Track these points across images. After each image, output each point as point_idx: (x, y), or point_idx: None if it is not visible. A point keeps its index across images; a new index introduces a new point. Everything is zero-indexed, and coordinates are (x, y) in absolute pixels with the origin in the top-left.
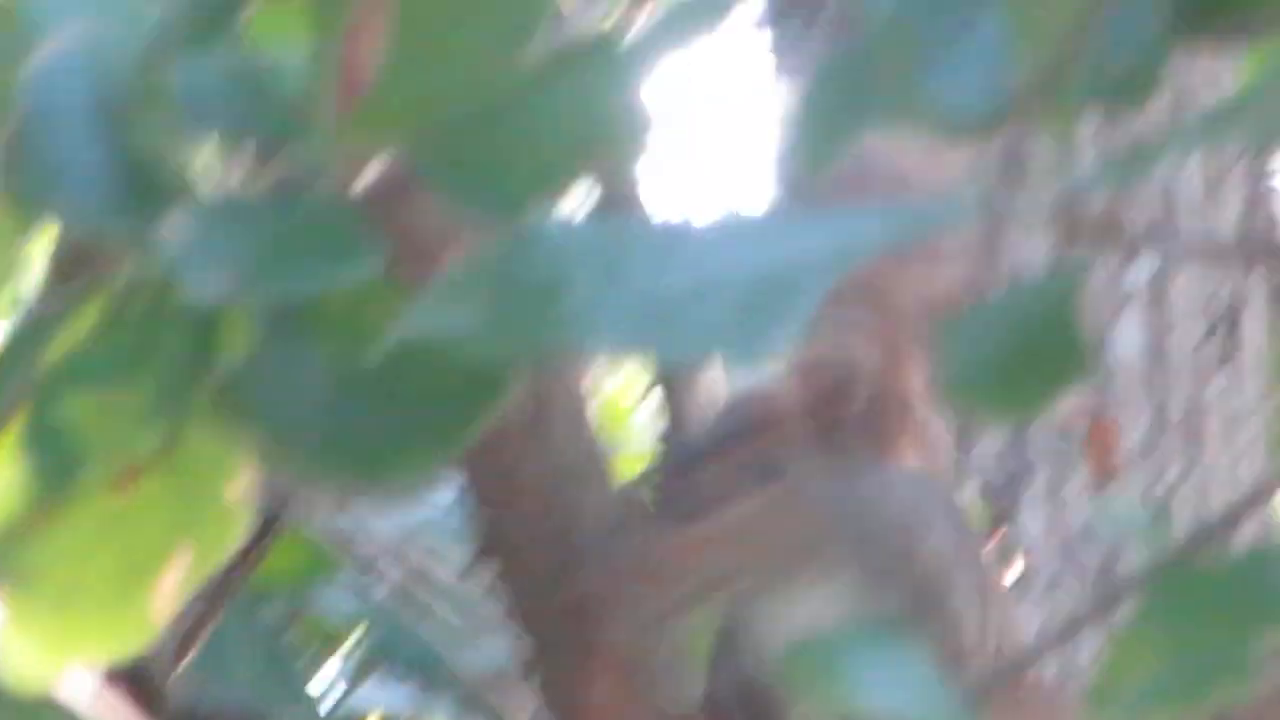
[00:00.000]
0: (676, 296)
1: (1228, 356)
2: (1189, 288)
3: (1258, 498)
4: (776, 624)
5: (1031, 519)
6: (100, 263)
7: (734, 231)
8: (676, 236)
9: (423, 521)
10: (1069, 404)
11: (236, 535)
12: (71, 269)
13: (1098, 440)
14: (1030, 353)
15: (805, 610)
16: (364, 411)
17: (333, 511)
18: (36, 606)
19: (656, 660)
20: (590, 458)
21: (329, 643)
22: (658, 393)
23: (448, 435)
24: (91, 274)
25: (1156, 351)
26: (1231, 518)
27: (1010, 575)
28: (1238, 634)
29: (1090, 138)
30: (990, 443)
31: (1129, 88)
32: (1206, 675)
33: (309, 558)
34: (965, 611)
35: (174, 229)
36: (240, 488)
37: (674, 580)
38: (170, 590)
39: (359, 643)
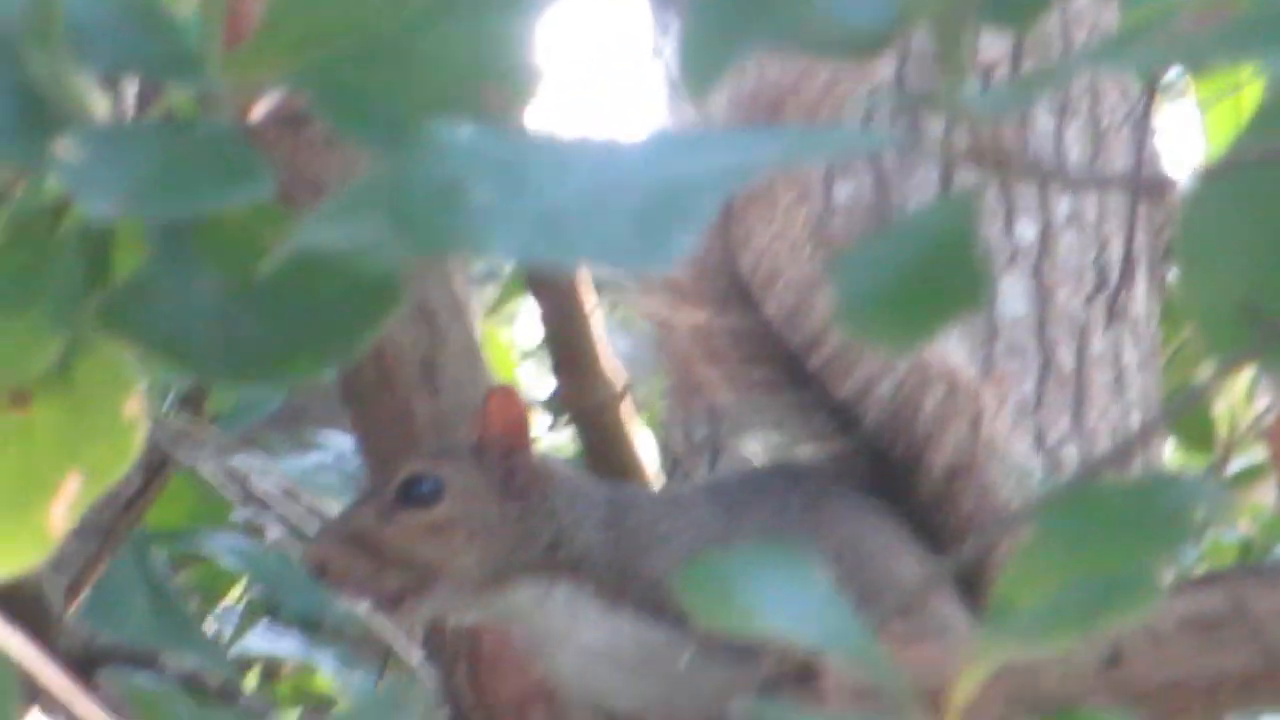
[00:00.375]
0: (575, 204)
1: (1115, 313)
2: (1076, 244)
3: (1145, 436)
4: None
5: None
6: None
7: (632, 145)
8: (575, 147)
9: (314, 466)
10: None
11: (130, 454)
12: None
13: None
14: (924, 280)
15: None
16: (255, 320)
17: (225, 455)
18: None
19: None
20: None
21: (217, 588)
22: (547, 342)
23: (338, 342)
24: None
25: (1044, 307)
26: (1120, 454)
27: None
28: (1133, 556)
29: (980, 67)
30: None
31: (1018, 5)
32: (1103, 597)
33: (199, 502)
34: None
35: (68, 152)
36: (133, 407)
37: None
38: (64, 509)
39: (247, 589)
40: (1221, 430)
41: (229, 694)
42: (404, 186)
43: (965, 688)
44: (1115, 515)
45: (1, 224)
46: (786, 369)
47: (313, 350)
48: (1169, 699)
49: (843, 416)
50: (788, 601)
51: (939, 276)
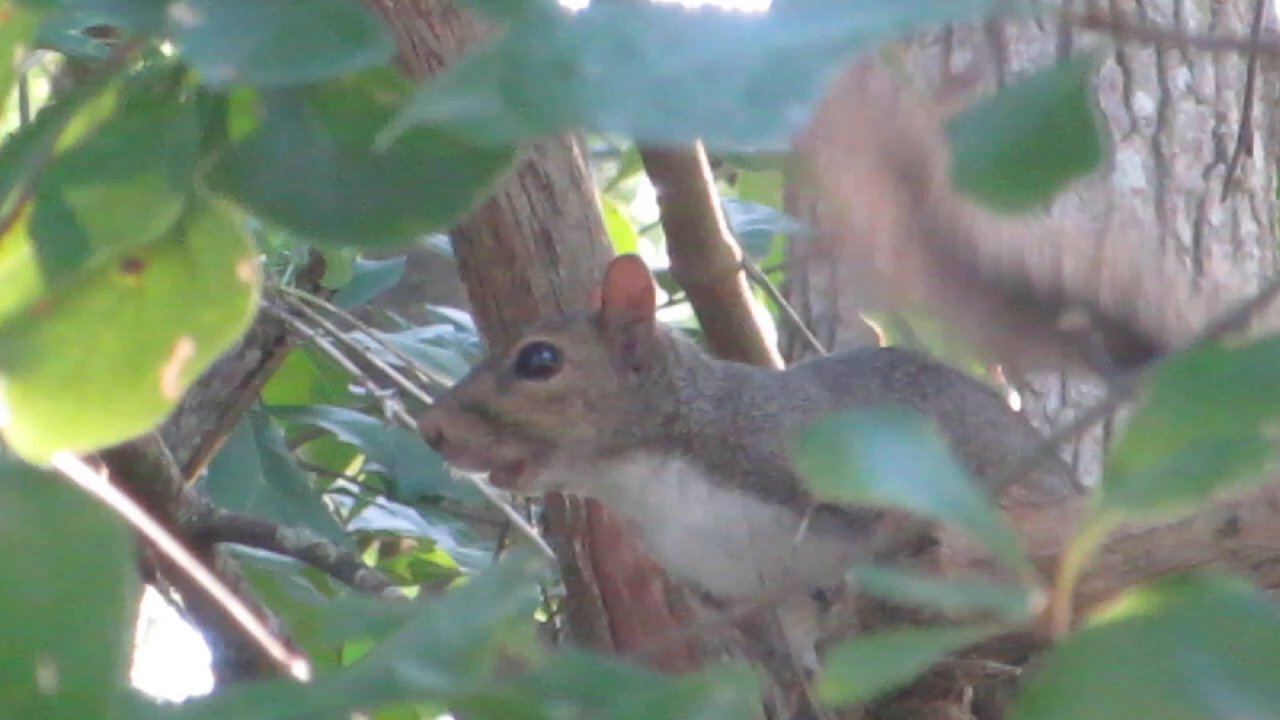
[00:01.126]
0: (687, 77)
1: (1232, 185)
2: (1194, 116)
3: (1263, 300)
4: None
5: None
6: (109, 62)
7: (745, 16)
8: (689, 19)
9: (431, 341)
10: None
11: (243, 318)
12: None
13: None
14: (1042, 142)
15: None
16: (367, 182)
17: (343, 330)
18: (42, 389)
19: None
20: (602, 271)
21: (336, 463)
22: (663, 217)
23: (448, 203)
24: (101, 71)
25: (1162, 179)
26: (1238, 318)
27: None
28: (1248, 419)
29: None
30: None
31: None
32: (1217, 461)
33: (317, 377)
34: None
35: (185, 16)
36: (246, 271)
37: None
38: (177, 373)
39: (365, 464)
40: None
41: (346, 568)
42: (516, 60)
43: (1079, 553)
44: (1233, 378)
45: (119, 89)
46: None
47: (423, 211)
48: None
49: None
50: (904, 468)
51: (1055, 139)
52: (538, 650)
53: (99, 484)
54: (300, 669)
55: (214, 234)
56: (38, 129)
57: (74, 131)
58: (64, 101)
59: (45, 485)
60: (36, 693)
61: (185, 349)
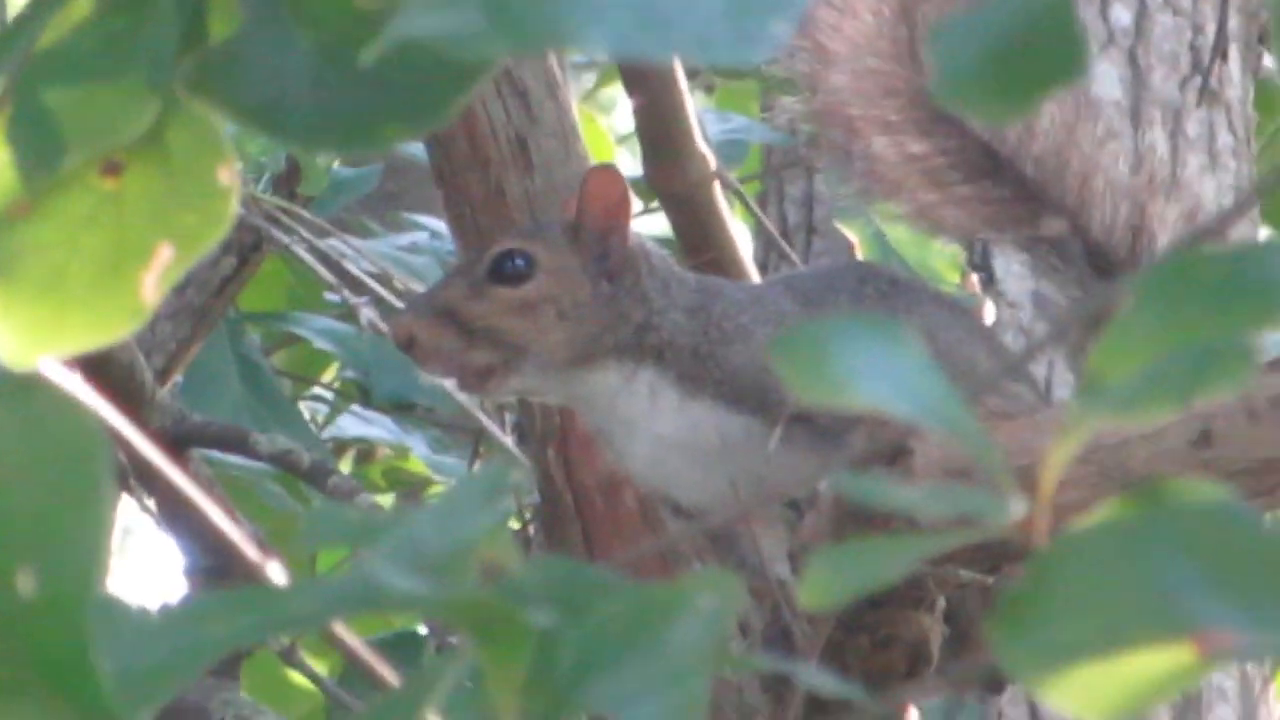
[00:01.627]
0: None
1: (1208, 96)
2: (1171, 28)
3: (1239, 209)
4: None
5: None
6: None
7: None
8: None
9: (407, 248)
10: None
11: (223, 222)
12: None
13: None
14: (1025, 50)
15: None
16: (346, 86)
17: (318, 237)
18: (21, 293)
19: None
20: (577, 180)
21: (311, 371)
22: (639, 126)
23: (428, 108)
24: None
25: (1139, 90)
26: (1215, 227)
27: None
28: (1228, 327)
29: None
30: None
31: None
32: (1196, 369)
33: (293, 285)
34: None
35: None
36: (226, 175)
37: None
38: (156, 277)
39: (339, 372)
40: None
41: (319, 475)
42: None
43: (1058, 461)
44: (1211, 285)
45: None
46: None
47: (402, 117)
48: (1260, 478)
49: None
50: (884, 372)
51: (1038, 48)
52: (517, 558)
53: (77, 389)
54: (275, 571)
55: (193, 138)
56: (15, 31)
57: (51, 34)
58: (41, 2)
59: (25, 391)
60: (16, 599)
61: (165, 253)
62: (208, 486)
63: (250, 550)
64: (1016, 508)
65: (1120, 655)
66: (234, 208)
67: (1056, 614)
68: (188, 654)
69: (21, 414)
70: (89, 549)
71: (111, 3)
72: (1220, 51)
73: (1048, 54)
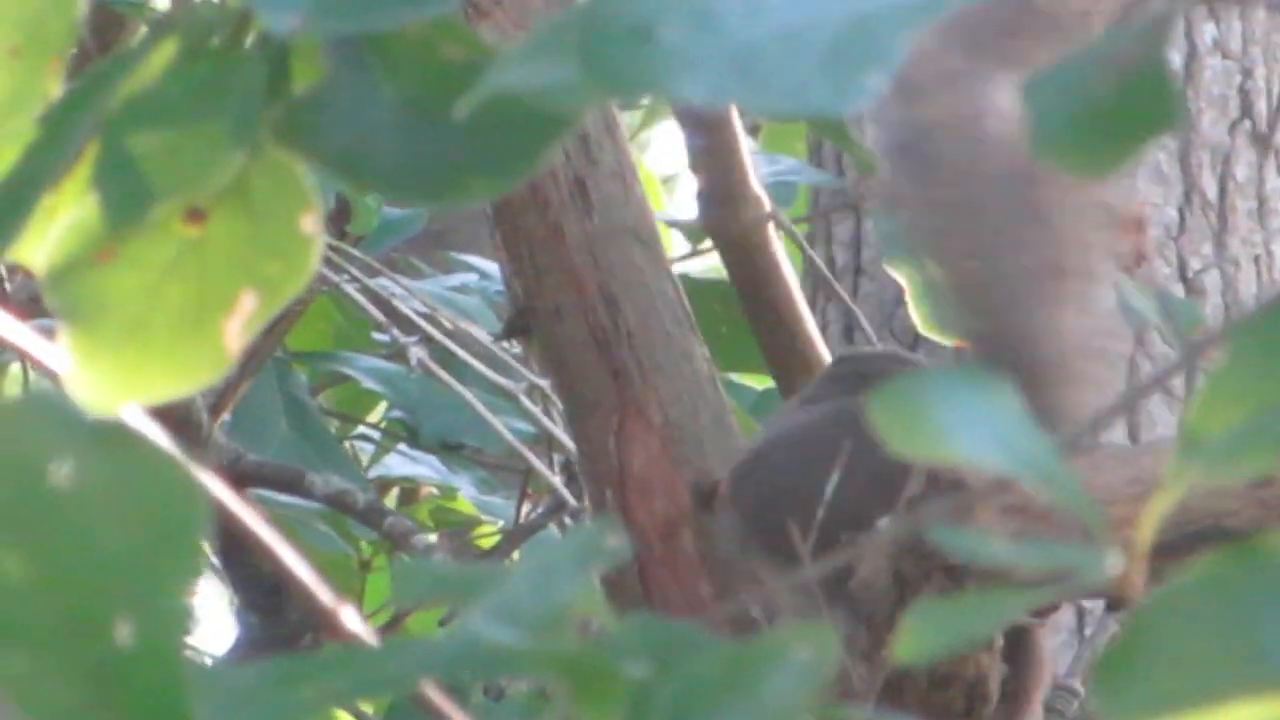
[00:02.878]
0: (766, 45)
1: (1258, 140)
2: (1221, 71)
3: None
4: None
5: None
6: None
7: None
8: None
9: (456, 289)
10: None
11: (306, 271)
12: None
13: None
14: (1120, 104)
15: None
16: (433, 137)
17: (368, 276)
18: (103, 340)
19: (695, 428)
20: (637, 220)
21: (358, 410)
22: (693, 167)
23: (514, 162)
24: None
25: (1188, 133)
26: None
27: None
28: None
29: None
30: None
31: None
32: None
33: (341, 324)
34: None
35: None
36: (309, 223)
37: None
38: (240, 325)
39: (387, 412)
40: None
41: (375, 515)
42: (595, 27)
43: (1156, 516)
44: None
45: (181, 36)
46: None
47: (489, 169)
48: None
49: None
50: (980, 424)
51: (1133, 101)
52: (611, 617)
53: (151, 433)
54: (350, 617)
55: (276, 185)
56: (103, 76)
57: (136, 80)
58: (130, 50)
59: (124, 440)
60: (113, 649)
61: (248, 301)
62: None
63: (324, 595)
64: (1114, 562)
65: (1219, 709)
66: (317, 257)
67: (1155, 667)
68: (289, 714)
69: (115, 461)
70: (183, 598)
71: (195, 49)
72: (1273, 96)
73: (1143, 107)
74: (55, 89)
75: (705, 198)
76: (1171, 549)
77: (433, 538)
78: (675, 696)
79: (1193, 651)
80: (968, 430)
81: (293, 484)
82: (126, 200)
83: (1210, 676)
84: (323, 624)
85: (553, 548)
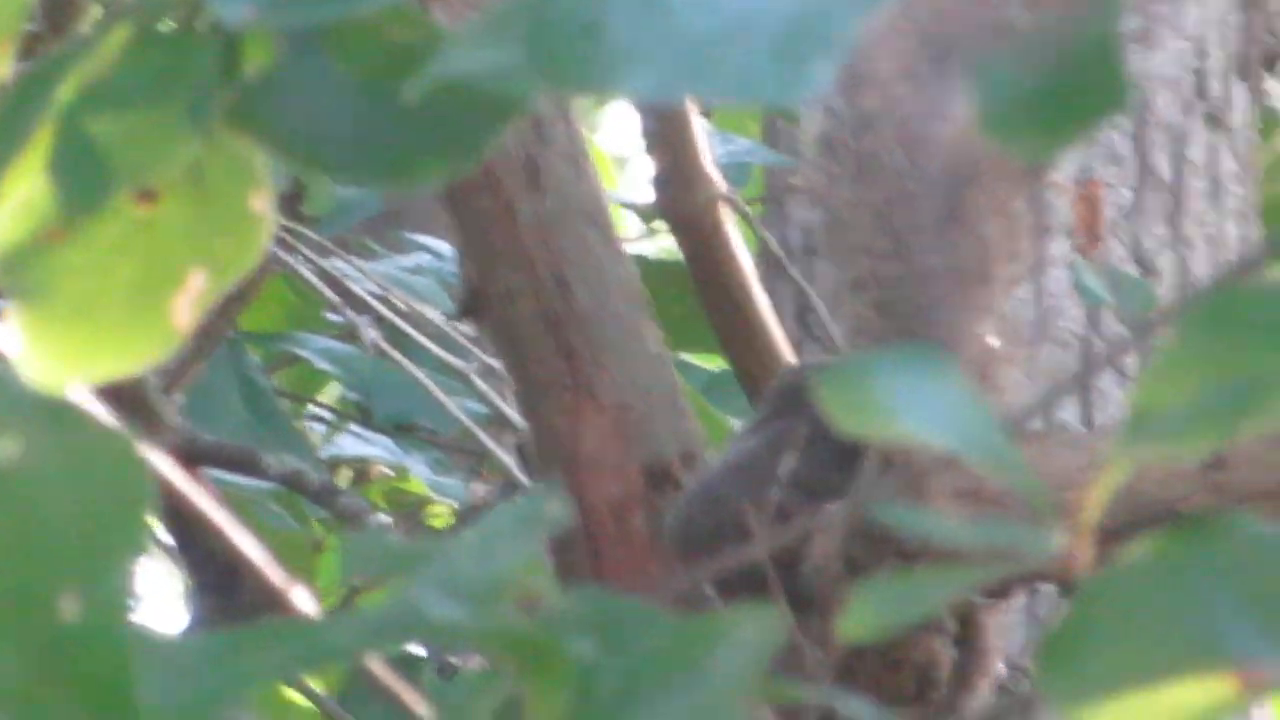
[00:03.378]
0: (714, 37)
1: (1213, 121)
2: (1175, 52)
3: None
4: None
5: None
6: None
7: None
8: None
9: (410, 270)
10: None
11: (256, 250)
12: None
13: (1084, 201)
14: (1069, 85)
15: None
16: (385, 120)
17: (321, 257)
18: (54, 318)
19: (647, 409)
20: (590, 201)
21: (310, 390)
22: (648, 148)
23: (466, 144)
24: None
25: (1142, 114)
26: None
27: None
28: (1277, 356)
29: None
30: None
31: None
32: (1244, 400)
33: (295, 304)
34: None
35: None
36: (260, 203)
37: None
38: (189, 304)
39: (341, 391)
40: None
41: (329, 495)
42: (543, 17)
43: (1102, 495)
44: (1259, 317)
45: (132, 22)
46: None
47: (441, 152)
48: (1274, 501)
49: None
50: (929, 404)
51: (1080, 81)
52: (556, 590)
53: (100, 411)
54: (301, 597)
55: (227, 166)
56: (57, 60)
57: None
58: (84, 34)
59: (69, 416)
60: (59, 625)
61: (198, 279)
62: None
63: (275, 575)
64: (1058, 541)
65: (1163, 688)
66: (267, 236)
67: (1100, 647)
68: (229, 688)
69: (61, 437)
70: (128, 573)
71: (150, 35)
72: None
73: (1090, 88)
74: (5, 71)
75: (659, 178)
76: (1126, 534)
77: (386, 518)
78: (622, 673)
79: (1138, 632)
80: (917, 410)
81: (247, 464)
82: (83, 186)
83: (1155, 657)
84: (275, 604)
85: (493, 518)
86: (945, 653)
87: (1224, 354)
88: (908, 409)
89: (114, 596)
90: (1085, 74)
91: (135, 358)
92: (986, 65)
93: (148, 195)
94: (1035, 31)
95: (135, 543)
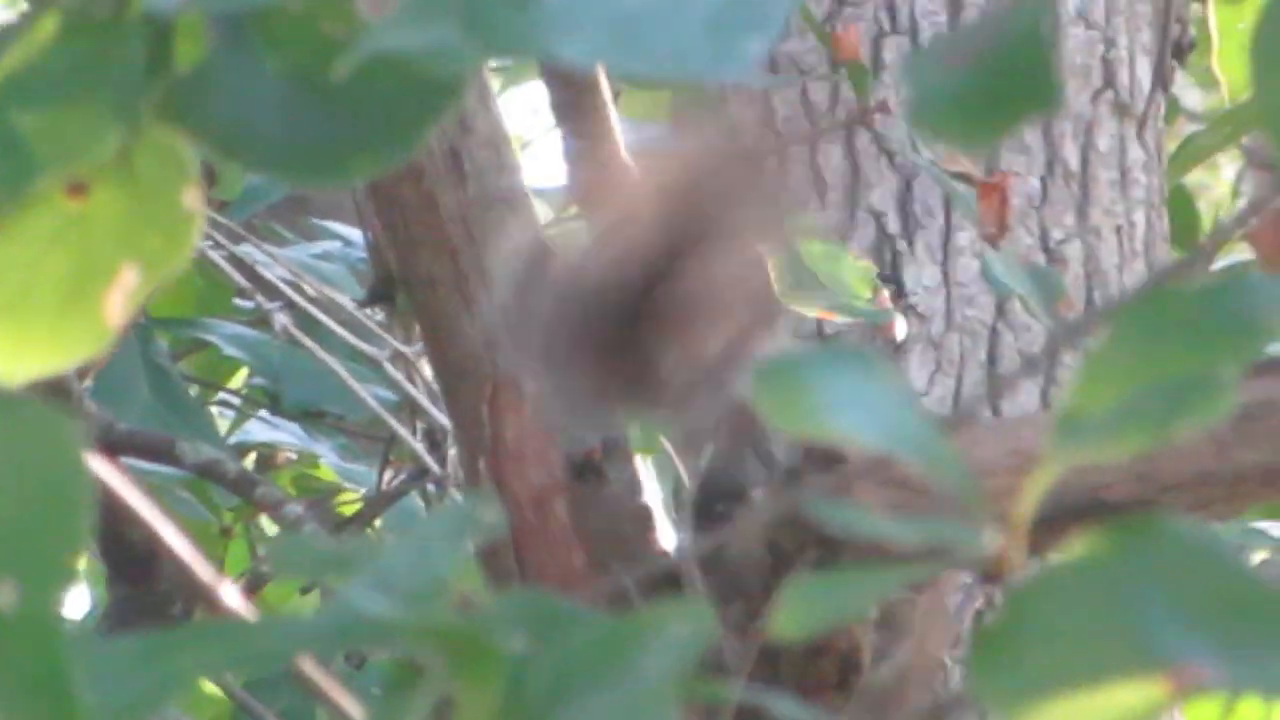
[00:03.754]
0: (648, 8)
1: (1120, 111)
2: (1084, 41)
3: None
4: None
5: (923, 270)
6: None
7: None
8: None
9: (319, 255)
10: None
11: (188, 245)
12: None
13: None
14: (1000, 80)
15: None
16: (317, 113)
17: (231, 242)
18: None
19: (567, 398)
20: (512, 189)
21: (219, 376)
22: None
23: (399, 137)
24: None
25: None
26: (1189, 262)
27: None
28: (1205, 360)
29: None
30: (881, 194)
31: None
32: (1174, 401)
33: (204, 289)
34: None
35: None
36: (191, 198)
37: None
38: (121, 299)
39: (250, 377)
40: (1206, 227)
41: (246, 484)
42: None
43: (1034, 495)
44: (1189, 319)
45: (60, 10)
46: None
47: (373, 145)
48: (1194, 492)
49: None
50: (858, 400)
51: (1012, 76)
52: (487, 592)
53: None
54: (229, 593)
55: (159, 161)
56: None
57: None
58: (10, 23)
59: (8, 406)
60: None
61: (130, 275)
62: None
63: (203, 569)
64: (991, 540)
65: (1095, 689)
66: (199, 231)
67: (1033, 647)
68: (162, 688)
69: (4, 427)
70: (67, 563)
71: (78, 25)
72: (1135, 66)
73: (1022, 84)
74: None
75: (570, 162)
76: (1048, 523)
77: (300, 508)
78: (553, 671)
79: (1071, 633)
80: (846, 406)
81: (164, 452)
82: (11, 175)
83: (1088, 658)
84: (201, 598)
85: (427, 522)
86: (868, 640)
87: (1156, 355)
88: (839, 406)
89: (51, 585)
90: (1016, 68)
91: (67, 354)
92: (919, 55)
93: (78, 189)
94: (967, 27)
95: (75, 534)
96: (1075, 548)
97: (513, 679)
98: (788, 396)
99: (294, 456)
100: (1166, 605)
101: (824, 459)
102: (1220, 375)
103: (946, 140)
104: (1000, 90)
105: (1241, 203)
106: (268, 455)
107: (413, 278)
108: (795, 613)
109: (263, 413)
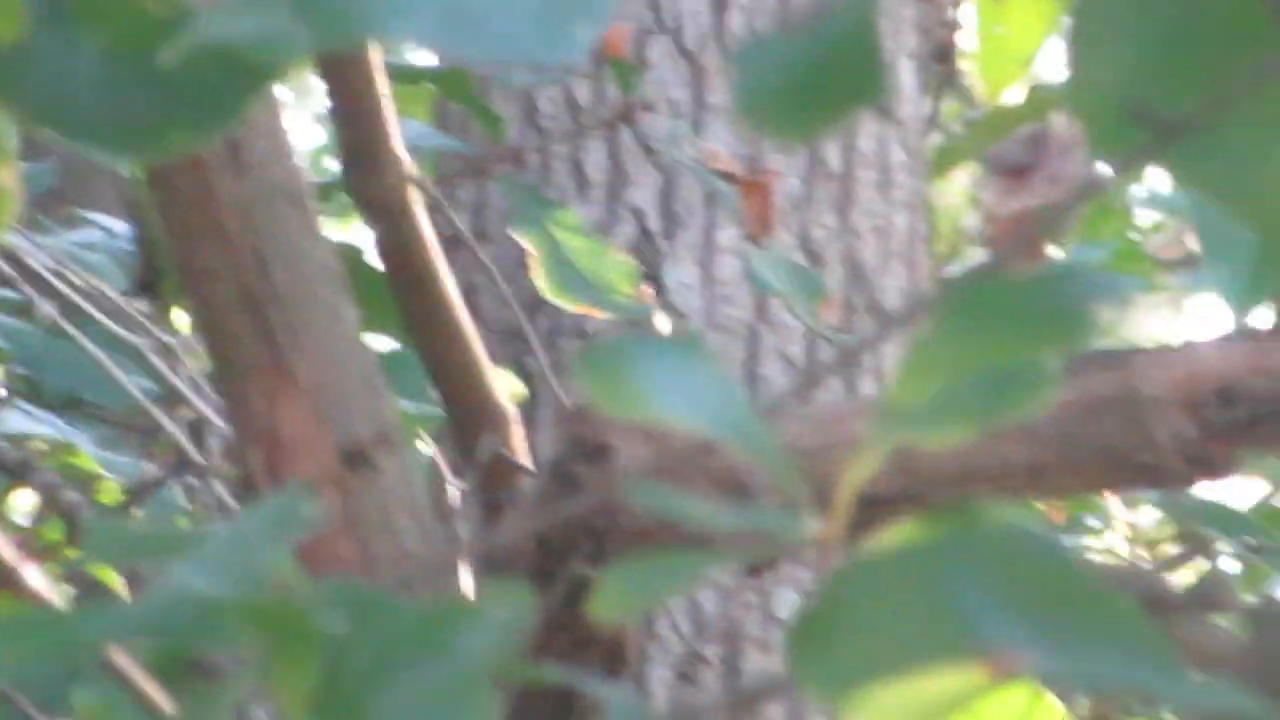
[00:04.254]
0: None
1: (882, 113)
2: None
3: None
4: None
5: (684, 268)
6: None
7: None
8: None
9: (83, 245)
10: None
11: (5, 223)
12: None
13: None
14: (824, 74)
15: None
16: (136, 89)
17: None
18: None
19: (344, 390)
20: (290, 181)
21: None
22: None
23: (219, 114)
24: None
25: None
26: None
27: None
28: (1028, 350)
29: None
30: (643, 192)
31: None
32: (997, 390)
33: None
34: None
35: None
36: (8, 176)
37: None
38: None
39: (8, 367)
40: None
41: (26, 471)
42: None
43: (855, 481)
44: (1013, 309)
45: None
46: None
47: (191, 122)
48: (959, 487)
49: None
50: (682, 385)
51: (839, 69)
52: (305, 581)
53: None
54: (33, 574)
55: None
56: None
57: None
58: None
59: None
60: None
61: None
62: None
63: (8, 552)
64: (812, 527)
65: (915, 675)
66: (16, 210)
67: (853, 633)
68: None
69: None
70: None
71: None
72: (895, 68)
73: (849, 76)
74: None
75: (348, 159)
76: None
77: (77, 494)
78: (370, 654)
79: (890, 619)
80: (670, 391)
81: None
82: None
83: (907, 644)
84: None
85: (246, 517)
86: (634, 631)
87: (980, 344)
88: (664, 392)
89: None
90: (844, 61)
91: None
92: (748, 49)
93: None
94: (792, 19)
95: None
96: (892, 535)
97: (329, 662)
98: (614, 381)
99: (44, 447)
100: (986, 592)
101: (592, 451)
102: (1042, 366)
103: (773, 133)
104: (827, 82)
105: (977, 210)
106: (19, 443)
107: (189, 268)
108: (613, 596)
109: (21, 403)
